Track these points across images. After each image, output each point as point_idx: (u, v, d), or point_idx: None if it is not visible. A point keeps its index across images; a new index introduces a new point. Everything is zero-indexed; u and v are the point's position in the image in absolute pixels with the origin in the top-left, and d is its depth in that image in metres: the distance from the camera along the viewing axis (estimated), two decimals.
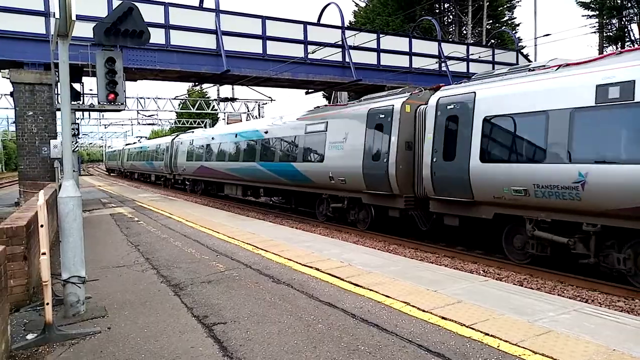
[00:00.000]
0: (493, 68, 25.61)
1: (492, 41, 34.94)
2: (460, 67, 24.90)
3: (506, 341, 4.03)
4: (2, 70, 15.97)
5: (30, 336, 4.49)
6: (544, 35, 23.70)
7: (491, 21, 37.50)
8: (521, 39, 36.76)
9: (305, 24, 20.89)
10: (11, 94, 17.05)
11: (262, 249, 8.46)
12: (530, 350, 3.83)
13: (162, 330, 4.61)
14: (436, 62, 24.01)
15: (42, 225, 4.47)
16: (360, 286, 5.88)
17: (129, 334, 4.54)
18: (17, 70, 15.93)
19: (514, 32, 36.16)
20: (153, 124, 63.06)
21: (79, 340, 4.41)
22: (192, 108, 45.72)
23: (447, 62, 24.09)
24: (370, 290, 5.70)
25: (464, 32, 36.26)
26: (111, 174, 66.97)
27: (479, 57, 25.26)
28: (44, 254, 4.41)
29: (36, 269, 6.19)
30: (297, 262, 7.33)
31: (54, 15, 5.02)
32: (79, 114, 19.20)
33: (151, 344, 4.28)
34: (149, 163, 39.20)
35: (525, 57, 28.26)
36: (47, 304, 4.40)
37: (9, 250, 5.03)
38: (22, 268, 5.42)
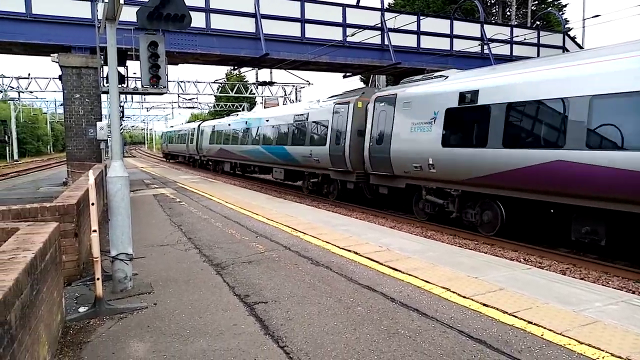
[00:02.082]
0: (538, 51, 24.74)
1: (537, 23, 33.68)
2: (504, 49, 24.15)
3: (550, 330, 3.95)
4: (51, 55, 16.52)
5: (82, 309, 4.70)
6: (593, 17, 22.62)
7: (537, 2, 36.11)
8: (568, 21, 35.27)
9: (344, 6, 20.65)
10: (59, 77, 17.63)
11: (300, 231, 8.54)
12: (575, 340, 3.75)
13: (206, 307, 4.74)
14: (478, 45, 23.36)
15: (92, 204, 4.64)
16: (399, 270, 5.86)
17: (174, 310, 4.69)
18: (65, 54, 16.46)
19: (560, 13, 34.74)
20: (193, 108, 64.16)
21: (126, 315, 4.59)
22: (230, 92, 46.17)
23: (490, 44, 23.40)
24: (410, 275, 5.68)
25: (508, 13, 35.07)
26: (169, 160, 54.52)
27: (524, 39, 24.40)
28: (94, 231, 4.59)
29: (85, 245, 6.46)
30: (335, 245, 7.37)
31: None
32: (122, 97, 19.73)
33: (195, 320, 4.42)
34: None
35: (573, 39, 27.13)
36: (98, 279, 4.59)
37: (62, 227, 5.25)
38: (73, 244, 5.66)
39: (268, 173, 24.03)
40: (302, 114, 19.03)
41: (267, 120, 22.66)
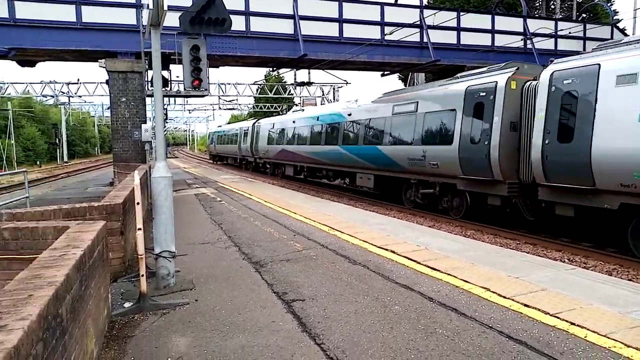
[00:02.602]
0: (584, 45, 23.86)
1: (584, 15, 32.48)
2: (548, 44, 23.40)
3: (594, 332, 3.83)
4: (98, 60, 17.19)
5: (127, 304, 4.89)
6: None
7: None
8: (617, 12, 33.82)
9: (382, 4, 20.53)
10: (107, 82, 18.32)
11: (337, 230, 8.57)
12: (622, 342, 3.62)
13: (245, 304, 4.84)
14: (521, 40, 22.73)
15: (138, 203, 4.82)
16: (438, 270, 5.81)
17: (214, 306, 4.82)
18: (111, 60, 17.09)
19: (608, 4, 33.37)
20: (233, 109, 65.25)
21: (169, 310, 4.74)
22: (269, 93, 46.68)
23: (534, 39, 22.73)
24: (448, 274, 5.62)
25: (552, 6, 33.97)
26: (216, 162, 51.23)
27: (569, 32, 23.58)
28: (139, 229, 4.76)
29: (131, 243, 6.70)
30: (372, 244, 7.36)
31: (147, 6, 5.33)
32: (166, 100, 20.29)
33: (235, 316, 4.52)
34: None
35: (622, 31, 26.00)
36: (142, 275, 4.76)
37: (108, 226, 5.47)
38: (119, 242, 5.89)
39: (347, 178, 20.08)
40: (408, 103, 14.79)
41: (349, 115, 18.39)
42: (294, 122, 25.08)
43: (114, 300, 5.01)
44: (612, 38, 24.50)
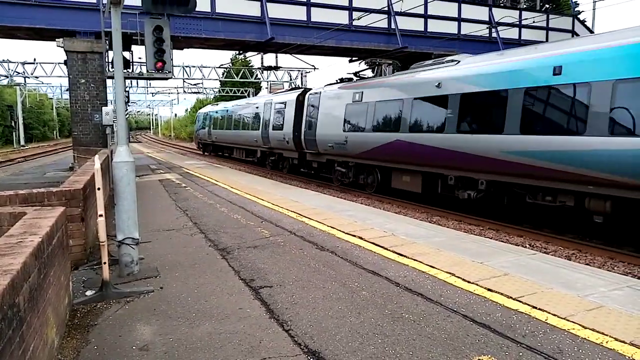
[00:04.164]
0: (547, 34, 24.40)
1: (547, 6, 33.20)
2: (512, 33, 23.82)
3: (555, 315, 3.96)
4: (56, 39, 16.48)
5: (89, 292, 4.75)
6: None
7: None
8: (578, 4, 34.70)
9: None
10: (65, 63, 17.60)
11: (305, 217, 8.56)
12: (580, 324, 3.76)
13: (211, 291, 4.78)
14: (487, 28, 23.07)
15: (99, 188, 4.66)
16: (404, 256, 5.88)
17: (180, 293, 4.73)
18: (70, 39, 16.40)
19: None
20: (198, 93, 64.01)
21: (133, 298, 4.64)
22: (235, 77, 46.00)
23: (498, 28, 23.10)
24: (414, 260, 5.69)
25: None
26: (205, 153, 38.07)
27: (533, 21, 24.04)
28: (100, 215, 4.61)
29: (92, 230, 6.51)
30: (340, 231, 7.39)
31: None
32: (127, 82, 19.71)
33: (201, 303, 4.46)
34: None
35: (582, 22, 26.73)
36: (104, 263, 4.63)
37: (68, 212, 5.28)
38: (80, 229, 5.71)
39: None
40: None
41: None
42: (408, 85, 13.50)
43: (76, 289, 4.86)
44: (573, 29, 25.18)
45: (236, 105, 29.47)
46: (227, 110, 30.56)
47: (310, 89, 19.51)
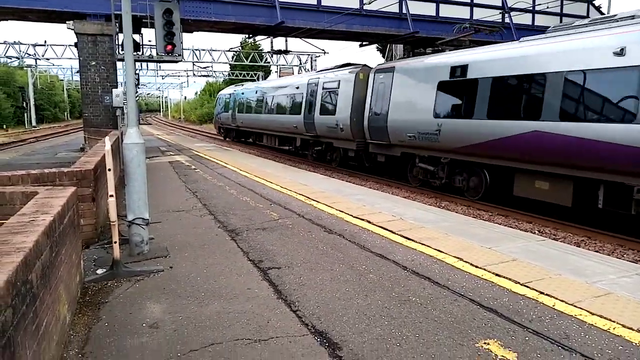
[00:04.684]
0: (561, 20, 23.97)
1: None
2: (525, 19, 23.41)
3: (562, 301, 3.95)
4: (67, 22, 16.47)
5: (100, 271, 4.82)
6: None
7: None
8: None
9: None
10: (75, 45, 17.62)
11: (314, 200, 8.58)
12: (587, 311, 3.75)
13: (220, 271, 4.83)
14: (499, 14, 22.70)
15: (109, 169, 4.70)
16: (412, 240, 5.88)
17: (189, 273, 4.79)
18: (80, 22, 16.39)
19: None
20: (208, 76, 63.99)
21: (143, 277, 4.70)
22: (245, 60, 45.82)
23: (512, 13, 22.72)
24: (422, 244, 5.70)
25: None
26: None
27: (547, 7, 23.63)
28: (111, 195, 4.66)
29: (103, 210, 6.58)
30: (348, 214, 7.40)
31: None
32: (137, 65, 19.71)
33: (210, 283, 4.51)
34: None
35: (597, 8, 26.20)
36: (115, 242, 4.69)
37: (79, 192, 5.34)
38: (91, 209, 5.77)
39: None
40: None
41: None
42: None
43: (87, 267, 4.93)
44: (588, 15, 24.71)
45: (269, 86, 25.20)
46: (257, 92, 26.35)
47: (376, 65, 15.85)
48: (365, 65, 16.55)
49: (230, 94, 32.25)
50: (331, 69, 18.59)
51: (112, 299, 4.19)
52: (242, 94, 29.21)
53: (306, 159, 20.75)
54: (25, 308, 2.32)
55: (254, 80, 47.49)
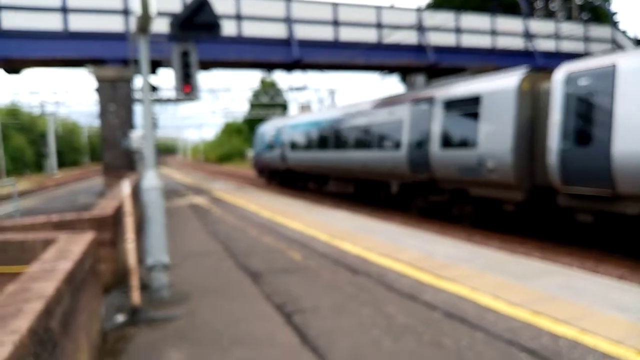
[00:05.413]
0: (585, 45, 23.90)
1: (583, 14, 32.51)
2: (549, 45, 23.29)
3: (605, 339, 3.70)
4: (86, 65, 16.91)
5: (120, 317, 4.69)
6: None
7: None
8: (616, 13, 34.06)
9: (379, 7, 20.35)
10: (96, 90, 18.04)
11: (338, 238, 8.40)
12: (634, 348, 3.50)
13: (242, 316, 4.66)
14: (523, 41, 22.54)
15: (128, 214, 4.64)
16: (443, 278, 5.65)
17: (210, 319, 4.63)
18: (99, 67, 16.84)
19: (607, 4, 33.49)
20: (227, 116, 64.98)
21: (164, 324, 4.55)
22: (265, 97, 46.41)
23: (535, 40, 22.64)
24: (454, 283, 5.45)
25: (552, 8, 34.07)
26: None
27: (570, 33, 23.56)
28: (130, 240, 4.58)
29: (122, 255, 6.50)
30: (373, 253, 7.20)
31: (133, 12, 5.18)
32: (156, 108, 20.04)
33: (232, 329, 4.34)
34: None
35: (623, 32, 26.11)
36: (135, 288, 4.58)
37: (99, 237, 5.27)
38: (111, 254, 5.70)
39: None
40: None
41: None
42: None
43: (108, 314, 4.80)
44: (612, 39, 24.60)
45: (337, 116, 18.92)
46: (318, 123, 20.60)
47: (568, 66, 9.83)
48: (532, 69, 11.14)
49: (276, 129, 26.12)
50: (464, 79, 13.10)
51: (133, 347, 4.06)
52: (295, 127, 23.24)
53: (406, 212, 14.84)
54: (47, 356, 2.28)
55: (273, 117, 47.80)
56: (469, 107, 11.74)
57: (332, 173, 19.18)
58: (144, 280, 5.57)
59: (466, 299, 4.91)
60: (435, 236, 8.96)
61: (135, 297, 4.60)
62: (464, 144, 11.79)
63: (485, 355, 3.59)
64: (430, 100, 13.15)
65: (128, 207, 4.69)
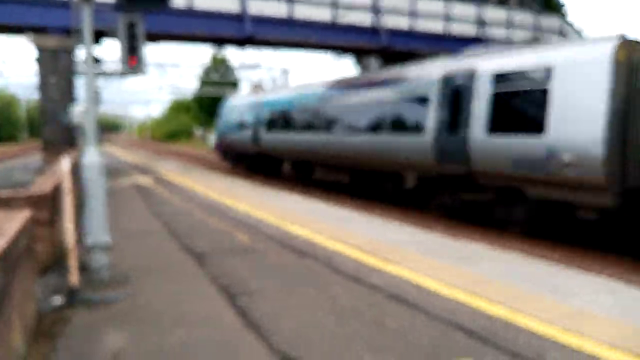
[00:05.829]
0: (535, 34, 24.65)
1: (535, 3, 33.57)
2: (500, 32, 23.86)
3: (536, 319, 3.92)
4: (26, 33, 15.95)
5: (57, 299, 4.55)
6: None
7: None
8: (563, 5, 35.43)
9: None
10: (37, 60, 17.05)
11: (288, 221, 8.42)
12: (561, 328, 3.74)
13: (185, 298, 4.62)
14: (475, 27, 23.01)
15: (67, 192, 4.47)
16: (388, 261, 5.77)
17: (152, 300, 4.57)
18: (40, 35, 15.92)
19: None
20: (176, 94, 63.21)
21: (103, 305, 4.45)
22: (215, 75, 45.35)
23: (487, 27, 23.12)
24: (398, 266, 5.59)
25: None
26: None
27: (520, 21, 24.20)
28: (69, 219, 4.42)
29: (61, 234, 6.27)
30: (322, 236, 7.28)
31: None
32: (100, 81, 19.22)
33: (174, 310, 4.30)
34: None
35: (570, 24, 27.12)
36: (72, 268, 4.45)
37: (36, 216, 5.06)
38: (49, 233, 5.49)
39: None
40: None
41: None
42: None
43: (44, 295, 4.64)
44: (560, 29, 25.50)
45: (338, 88, 15.83)
46: (308, 97, 17.39)
47: None
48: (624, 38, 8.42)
49: (247, 105, 22.97)
50: (533, 47, 10.26)
51: (69, 329, 3.95)
52: (274, 103, 20.12)
53: (423, 211, 12.19)
54: None
55: (221, 97, 46.86)
56: (533, 81, 9.30)
57: (322, 159, 16.22)
58: (83, 260, 5.40)
59: (409, 281, 5.06)
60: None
61: (73, 278, 4.46)
62: (524, 129, 9.26)
63: (424, 334, 3.74)
64: (470, 73, 10.51)
65: (67, 185, 4.51)
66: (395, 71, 13.56)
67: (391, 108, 12.68)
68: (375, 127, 13.16)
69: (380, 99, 13.13)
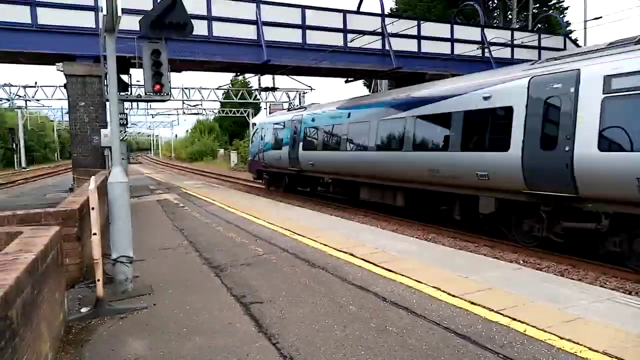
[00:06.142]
0: (539, 54, 24.81)
1: (539, 25, 33.75)
2: (505, 53, 24.18)
3: (533, 326, 4.07)
4: (56, 64, 16.79)
5: (84, 309, 4.87)
6: (594, 19, 22.77)
7: (538, 5, 36.25)
8: (569, 23, 35.40)
9: (345, 12, 20.82)
10: (64, 86, 17.89)
11: (298, 234, 8.67)
12: (556, 335, 3.87)
13: (203, 307, 4.90)
14: (478, 49, 23.44)
15: (93, 208, 4.82)
16: (393, 271, 5.99)
17: (172, 310, 4.86)
18: (69, 63, 16.71)
19: (561, 15, 34.86)
20: (198, 114, 64.72)
21: (127, 315, 4.76)
22: (235, 98, 46.46)
23: (491, 48, 23.48)
24: (403, 275, 5.80)
25: (509, 17, 35.19)
26: None
27: (522, 42, 24.46)
28: (94, 234, 4.76)
29: (88, 249, 6.64)
30: (332, 247, 7.50)
31: (101, 10, 5.33)
32: (127, 104, 19.95)
33: (192, 319, 4.58)
34: None
35: (574, 42, 27.19)
36: (98, 280, 4.77)
37: (64, 231, 5.43)
38: (76, 248, 5.84)
39: None
40: None
41: None
42: None
43: (71, 306, 4.98)
44: (565, 48, 25.59)
45: (393, 100, 14.41)
46: (359, 111, 15.94)
47: None
48: None
49: (284, 123, 21.64)
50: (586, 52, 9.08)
51: (95, 337, 4.25)
52: (315, 119, 18.83)
53: (501, 239, 10.94)
54: (3, 344, 2.40)
55: (245, 119, 47.78)
56: None
57: (377, 177, 14.55)
58: (109, 273, 5.75)
59: (412, 289, 5.24)
60: (392, 233, 7.50)
61: (99, 289, 4.78)
62: None
63: (424, 339, 3.92)
64: (571, 76, 8.69)
65: (93, 202, 4.86)
66: (464, 80, 11.96)
67: (463, 121, 11.07)
68: (444, 142, 11.82)
69: (449, 109, 11.57)
